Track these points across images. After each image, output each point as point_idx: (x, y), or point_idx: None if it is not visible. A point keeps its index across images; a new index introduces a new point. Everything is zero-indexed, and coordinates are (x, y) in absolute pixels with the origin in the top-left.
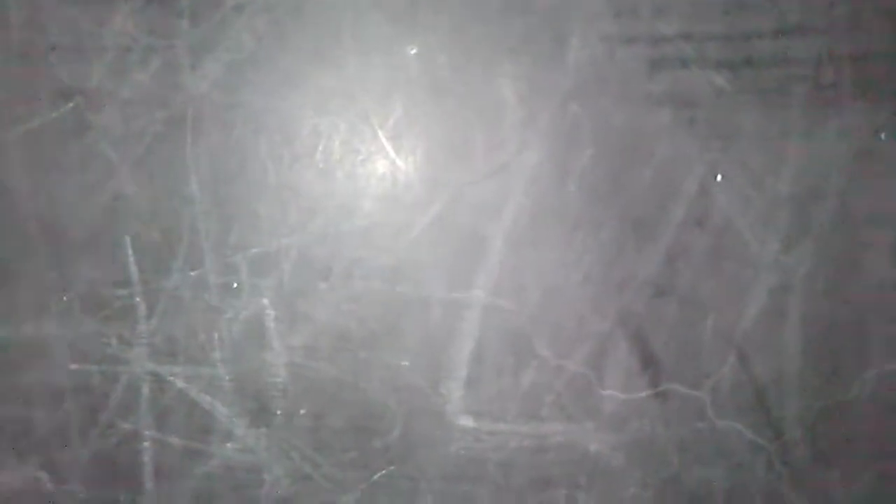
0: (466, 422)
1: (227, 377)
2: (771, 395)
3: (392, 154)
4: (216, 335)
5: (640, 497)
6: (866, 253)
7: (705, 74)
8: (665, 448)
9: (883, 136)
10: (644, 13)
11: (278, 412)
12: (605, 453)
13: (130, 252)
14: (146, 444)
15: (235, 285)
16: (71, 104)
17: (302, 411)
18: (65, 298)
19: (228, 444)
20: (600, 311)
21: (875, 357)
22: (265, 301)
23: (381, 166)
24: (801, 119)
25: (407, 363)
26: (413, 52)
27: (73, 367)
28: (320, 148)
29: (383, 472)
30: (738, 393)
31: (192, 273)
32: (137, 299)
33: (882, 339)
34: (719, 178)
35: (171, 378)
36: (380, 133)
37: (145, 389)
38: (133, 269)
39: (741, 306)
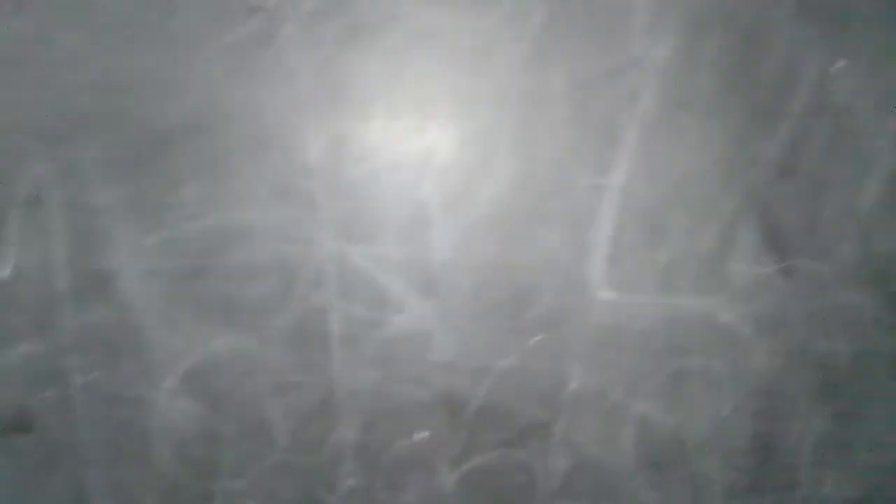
0: (608, 295)
1: (398, 255)
2: (891, 268)
3: (536, 54)
4: (388, 218)
5: (767, 365)
6: None
7: None
8: (792, 319)
9: None
10: None
11: (443, 285)
12: (735, 324)
13: (314, 146)
14: (334, 313)
15: (403, 173)
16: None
17: (464, 284)
18: (263, 187)
19: (401, 315)
20: (729, 190)
21: None
22: (429, 187)
23: (523, 65)
24: None
25: (554, 241)
26: None
27: (272, 246)
28: (471, 56)
29: (536, 339)
30: (860, 266)
31: (365, 164)
32: (322, 188)
33: None
34: (841, 63)
35: (353, 257)
36: (523, 36)
37: (332, 266)
38: (316, 161)
39: (861, 185)
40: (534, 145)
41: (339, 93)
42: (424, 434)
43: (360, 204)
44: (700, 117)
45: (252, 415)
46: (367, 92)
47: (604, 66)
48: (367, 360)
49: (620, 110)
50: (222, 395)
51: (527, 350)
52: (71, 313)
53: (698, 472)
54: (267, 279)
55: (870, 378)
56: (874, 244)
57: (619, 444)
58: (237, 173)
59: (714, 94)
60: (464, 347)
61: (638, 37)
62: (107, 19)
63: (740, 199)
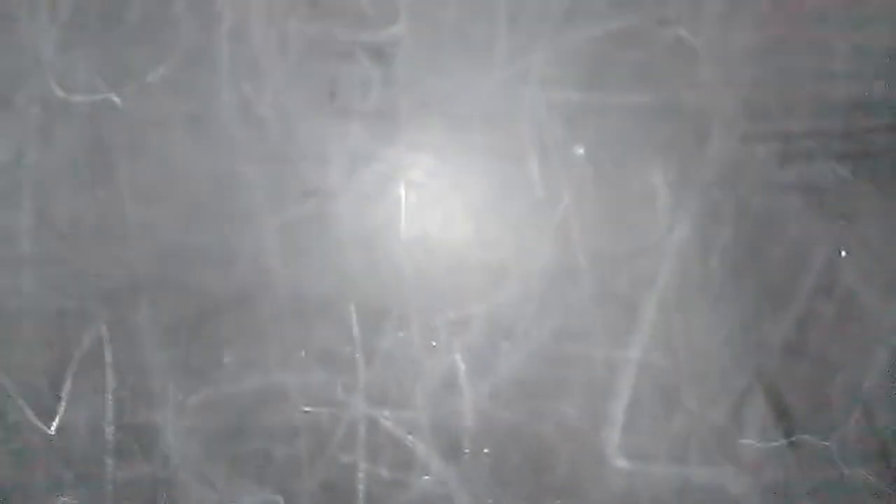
0: (623, 463)
1: (425, 420)
2: (893, 445)
3: (563, 236)
4: (418, 385)
5: None
6: None
7: (829, 165)
8: (797, 492)
9: None
10: (775, 114)
11: (466, 450)
12: (743, 496)
13: (355, 317)
14: (361, 474)
15: (434, 344)
16: (313, 200)
17: (486, 450)
18: (303, 353)
19: (425, 477)
20: (740, 368)
21: None
22: (457, 357)
23: (551, 247)
24: None
25: (572, 411)
26: (581, 151)
27: (307, 409)
28: (505, 230)
29: None
30: (863, 443)
31: (400, 334)
32: (358, 355)
33: None
34: (844, 253)
35: (382, 420)
36: (553, 219)
37: (361, 429)
38: (356, 331)
39: (866, 366)
40: (557, 318)
41: (380, 267)
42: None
43: (392, 371)
44: (713, 299)
45: None
46: (405, 266)
47: (626, 246)
48: None
49: (640, 289)
50: None
51: None
52: (113, 467)
53: None
54: (299, 440)
55: None
56: (877, 421)
57: None
58: (278, 339)
59: (726, 278)
60: None
61: (659, 221)
62: (179, 196)
63: (750, 377)
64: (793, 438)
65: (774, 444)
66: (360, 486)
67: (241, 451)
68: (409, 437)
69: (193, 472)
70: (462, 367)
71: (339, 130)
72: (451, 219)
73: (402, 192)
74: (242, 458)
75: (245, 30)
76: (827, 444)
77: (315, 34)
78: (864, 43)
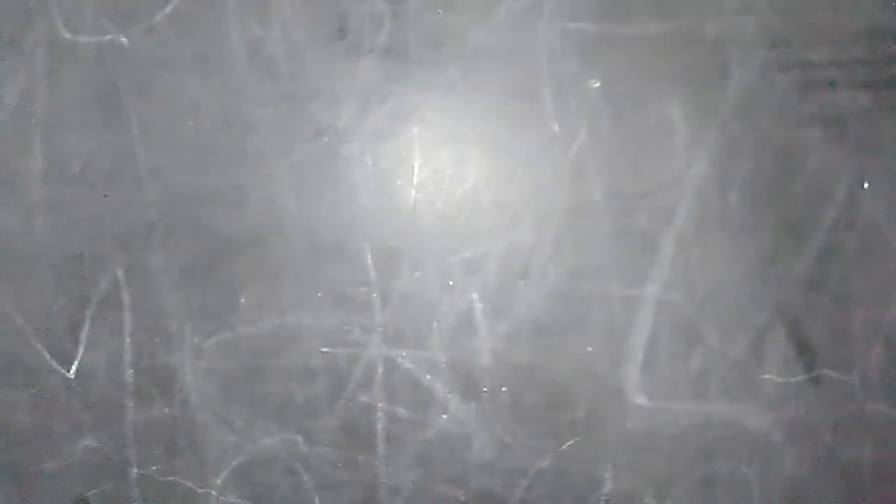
0: (642, 400)
1: (443, 360)
2: None
3: (577, 173)
4: (435, 325)
5: (795, 471)
6: None
7: (851, 95)
8: (819, 427)
9: None
10: (796, 43)
11: (484, 389)
12: (764, 431)
13: (370, 258)
14: (380, 414)
15: (451, 283)
16: (325, 139)
17: (504, 389)
18: (319, 294)
19: (444, 416)
20: (760, 303)
21: None
22: (474, 296)
23: (568, 183)
24: None
25: (591, 349)
26: (596, 84)
27: (324, 350)
28: (520, 168)
29: (571, 442)
30: (884, 377)
31: (416, 274)
32: (374, 295)
33: None
34: (866, 185)
35: (400, 360)
36: (568, 154)
37: (379, 369)
38: (371, 272)
39: (887, 299)
40: (574, 256)
41: (394, 207)
42: None
43: (409, 311)
44: (732, 234)
45: None
46: (420, 206)
47: (644, 182)
48: (410, 460)
49: (658, 225)
50: (270, 492)
51: (562, 452)
52: (133, 410)
53: None
54: (317, 381)
55: (892, 484)
56: None
57: None
58: (293, 281)
59: (746, 213)
60: (502, 449)
61: (676, 156)
62: (189, 139)
63: (770, 312)
64: (814, 373)
65: (795, 379)
66: (379, 426)
67: (259, 393)
68: (427, 376)
69: (213, 414)
70: (479, 306)
71: (350, 68)
72: (464, 157)
73: (415, 131)
74: (261, 399)
75: None
76: (848, 378)
77: None
78: None
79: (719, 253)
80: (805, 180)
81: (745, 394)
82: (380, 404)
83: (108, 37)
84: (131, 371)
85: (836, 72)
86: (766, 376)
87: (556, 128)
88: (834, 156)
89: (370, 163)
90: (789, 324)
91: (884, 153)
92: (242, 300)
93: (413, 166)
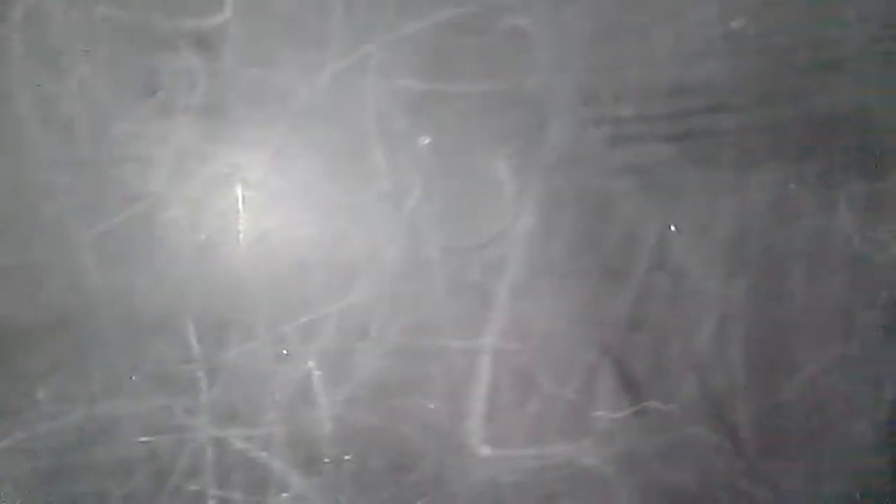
0: (486, 451)
1: (280, 434)
2: (725, 403)
3: (414, 229)
4: (269, 398)
5: (628, 502)
6: (789, 280)
7: (656, 147)
8: (647, 456)
9: (792, 186)
10: (606, 100)
11: (326, 460)
12: (598, 466)
13: (192, 331)
14: (211, 502)
15: (285, 352)
16: (140, 204)
17: (347, 457)
18: (133, 378)
19: (284, 494)
20: (588, 345)
21: (801, 364)
22: (311, 363)
23: (403, 242)
24: (732, 177)
25: (433, 405)
26: (426, 141)
27: (143, 439)
28: (353, 227)
29: (418, 503)
30: (700, 404)
31: (246, 345)
32: (199, 373)
33: (805, 349)
34: (673, 228)
35: (232, 440)
36: (402, 212)
37: (209, 453)
38: (195, 347)
39: (696, 332)
40: (412, 313)
41: (219, 275)
42: None
43: (240, 386)
44: (559, 281)
45: None
46: (247, 272)
47: (476, 236)
48: None
49: (492, 277)
50: None
51: None
52: None
53: None
54: (135, 474)
55: (713, 502)
56: (709, 382)
57: None
58: (104, 365)
59: (569, 260)
60: None
61: (505, 209)
62: None
63: (597, 353)
64: (638, 406)
65: (623, 413)
66: None
67: (67, 494)
68: (263, 454)
69: None
70: (317, 373)
71: (163, 129)
72: (294, 218)
73: (239, 192)
74: (69, 501)
75: (42, 17)
76: (669, 407)
77: (128, 22)
78: (683, 28)
79: (549, 300)
80: (620, 227)
81: (580, 433)
82: (211, 491)
83: None
84: None
85: (643, 125)
86: (598, 413)
87: (389, 185)
88: (644, 203)
89: (190, 229)
90: (614, 362)
91: (685, 199)
92: (41, 394)
93: (238, 230)
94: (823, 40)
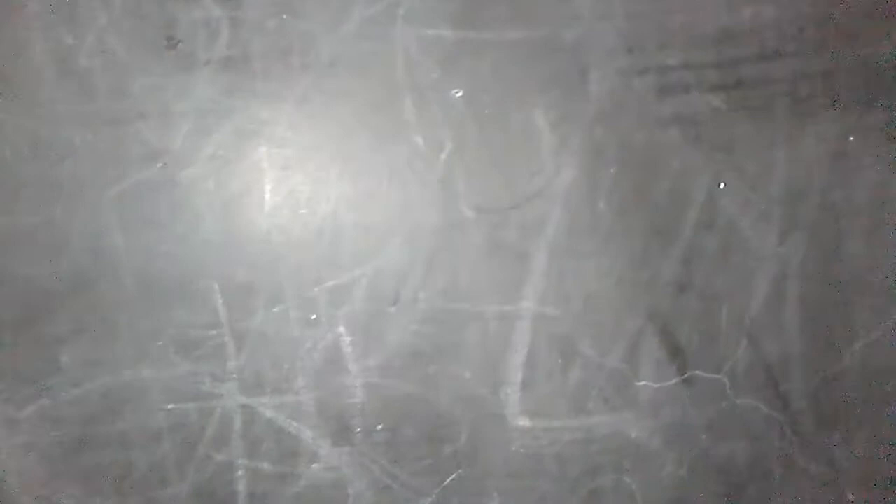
0: (524, 422)
1: (310, 402)
2: (778, 372)
3: (445, 187)
4: (299, 364)
5: (675, 474)
6: (848, 239)
7: (704, 97)
8: (694, 428)
9: (852, 138)
10: (650, 48)
11: (358, 430)
12: (644, 438)
13: (219, 296)
14: (240, 472)
15: (314, 317)
16: (160, 164)
17: (379, 427)
18: (160, 343)
19: (315, 465)
20: (632, 310)
21: (861, 329)
22: (341, 329)
23: (435, 198)
24: (785, 129)
25: (469, 374)
26: (459, 94)
27: (170, 406)
28: (383, 185)
29: (454, 475)
30: (751, 373)
31: (274, 310)
32: (227, 338)
33: (864, 314)
34: (722, 185)
35: (260, 408)
36: (435, 168)
37: (237, 421)
38: (222, 312)
39: (748, 295)
40: (446, 277)
41: (245, 237)
42: None
43: (268, 353)
44: (603, 241)
45: None
46: (274, 234)
47: (514, 194)
48: None
49: (531, 237)
50: None
51: (445, 488)
52: None
53: None
54: (162, 443)
55: (767, 478)
56: (762, 350)
57: None
58: (128, 330)
59: (614, 219)
60: (381, 493)
61: (545, 164)
62: None
63: (642, 318)
64: (686, 375)
65: (669, 383)
66: (241, 486)
67: (92, 465)
68: (293, 423)
69: (38, 496)
70: (347, 339)
71: (183, 83)
72: (321, 177)
73: (264, 150)
74: (95, 472)
75: None
76: (718, 377)
77: None
78: None
79: (591, 262)
80: (667, 182)
81: (624, 403)
82: (239, 461)
83: None
84: None
85: (689, 74)
86: (642, 383)
87: (420, 140)
88: (691, 157)
89: (214, 188)
90: (661, 328)
91: (735, 152)
92: (64, 359)
93: (264, 190)
94: None
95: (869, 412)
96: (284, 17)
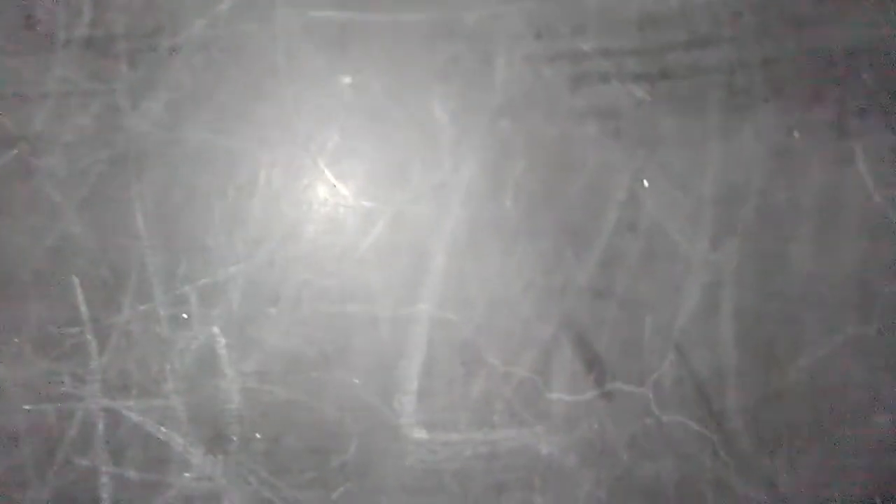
0: (420, 434)
1: (181, 407)
2: (711, 387)
3: (332, 180)
4: (168, 366)
5: (593, 495)
6: (789, 245)
7: (625, 87)
8: (614, 446)
9: (797, 134)
10: (563, 32)
11: (234, 438)
12: (556, 455)
13: (79, 291)
14: (104, 479)
15: (185, 316)
16: (14, 150)
17: (258, 435)
18: (16, 340)
19: (186, 474)
20: (543, 316)
21: (807, 345)
22: (216, 329)
23: (322, 192)
24: (719, 123)
25: (358, 381)
26: (347, 81)
27: (27, 407)
28: (262, 179)
29: (341, 489)
30: (679, 388)
31: (141, 307)
32: (88, 336)
33: (812, 327)
34: (646, 183)
35: (126, 412)
36: (319, 161)
37: (100, 425)
38: (83, 308)
39: (676, 304)
40: (333, 275)
41: (110, 228)
42: None
43: (133, 352)
44: (510, 242)
45: None
46: (143, 225)
47: (408, 189)
48: None
49: (427, 236)
50: None
51: (332, 502)
52: None
53: None
54: (20, 446)
55: (699, 501)
56: (692, 363)
57: None
58: None
59: (522, 218)
60: None
61: (442, 158)
62: None
63: (555, 324)
64: (605, 388)
65: (586, 395)
66: (105, 493)
67: None
68: (162, 429)
69: None
70: (222, 341)
71: (42, 64)
72: (190, 168)
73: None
74: None
75: None
76: (642, 391)
77: None
78: None
79: (496, 264)
80: (582, 180)
81: (534, 417)
82: (103, 468)
83: None
84: None
85: (607, 62)
86: (555, 395)
87: (304, 131)
88: (610, 153)
89: (77, 176)
90: (576, 337)
91: (661, 149)
92: None
93: (128, 174)
94: None
95: (817, 434)
96: None
